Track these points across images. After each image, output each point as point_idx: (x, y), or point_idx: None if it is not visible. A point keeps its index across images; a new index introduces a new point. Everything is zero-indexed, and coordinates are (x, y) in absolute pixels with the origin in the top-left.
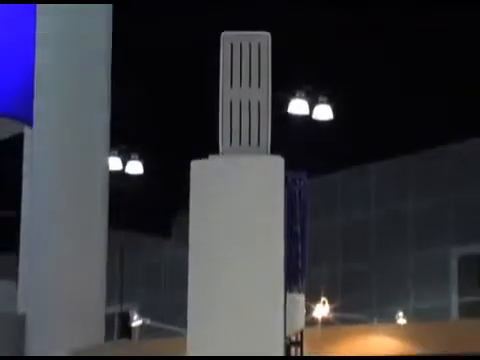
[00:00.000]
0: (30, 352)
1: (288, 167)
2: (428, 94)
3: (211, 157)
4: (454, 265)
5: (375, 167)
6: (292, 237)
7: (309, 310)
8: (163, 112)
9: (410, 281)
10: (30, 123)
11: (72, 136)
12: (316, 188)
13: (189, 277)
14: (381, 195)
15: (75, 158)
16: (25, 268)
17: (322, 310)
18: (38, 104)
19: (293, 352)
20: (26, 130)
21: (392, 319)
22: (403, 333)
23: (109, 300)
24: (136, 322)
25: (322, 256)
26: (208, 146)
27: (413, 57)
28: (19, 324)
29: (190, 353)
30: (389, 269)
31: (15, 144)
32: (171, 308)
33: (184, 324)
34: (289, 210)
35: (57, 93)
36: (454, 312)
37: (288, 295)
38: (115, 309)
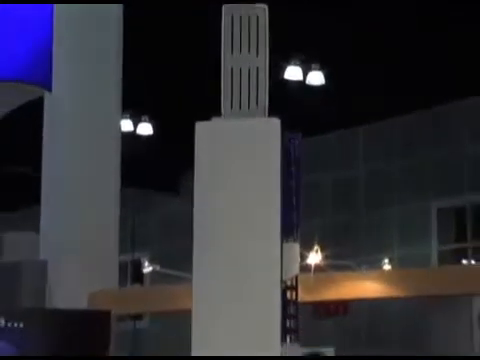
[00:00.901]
0: (51, 296)
1: (284, 128)
2: (411, 61)
3: (214, 119)
4: (434, 217)
5: (363, 129)
6: (288, 191)
7: (303, 257)
8: (171, 78)
9: (394, 232)
10: (49, 88)
11: (87, 100)
12: (309, 147)
13: (194, 228)
14: (369, 154)
15: (90, 120)
16: (46, 220)
17: (315, 258)
18: (56, 70)
19: (289, 295)
20: (46, 95)
21: (378, 266)
22: (388, 279)
23: (122, 249)
24: (147, 269)
25: (315, 210)
26: (211, 109)
27: (400, 25)
28: (41, 271)
29: (195, 297)
30: (375, 221)
31: (36, 108)
32: (178, 256)
33: (190, 270)
34: (285, 167)
35: (74, 60)
36: (434, 259)
37: (284, 244)
38: (128, 257)
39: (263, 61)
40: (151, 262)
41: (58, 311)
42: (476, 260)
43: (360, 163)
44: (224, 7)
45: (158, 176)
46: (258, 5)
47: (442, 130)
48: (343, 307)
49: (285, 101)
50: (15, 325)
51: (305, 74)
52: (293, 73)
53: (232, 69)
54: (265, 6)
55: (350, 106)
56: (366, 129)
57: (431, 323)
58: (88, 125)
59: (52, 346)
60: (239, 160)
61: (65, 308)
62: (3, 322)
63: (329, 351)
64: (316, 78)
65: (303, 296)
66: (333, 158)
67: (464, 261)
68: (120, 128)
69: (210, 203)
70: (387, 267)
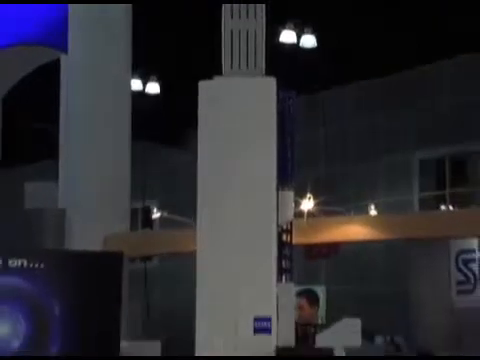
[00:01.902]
0: (69, 240)
1: (279, 86)
2: (398, 25)
3: (216, 78)
4: (415, 167)
5: (352, 87)
6: (283, 144)
7: (297, 204)
8: (177, 42)
9: (380, 181)
10: (65, 51)
11: (100, 61)
12: (302, 104)
13: (198, 179)
14: (357, 111)
15: (102, 80)
16: (64, 171)
17: (308, 204)
18: (72, 34)
19: (284, 238)
20: (62, 56)
21: (365, 211)
22: (374, 223)
23: (133, 197)
24: (156, 215)
25: (307, 161)
26: (213, 69)
27: None
28: (60, 218)
29: (199, 240)
30: (363, 171)
31: (53, 68)
32: (184, 204)
33: (194, 216)
34: (280, 121)
35: (87, 25)
36: (415, 205)
37: (280, 192)
38: (139, 205)
39: (260, 25)
40: (159, 209)
41: (76, 252)
42: (454, 206)
43: (349, 119)
44: None
45: (165, 131)
46: None
47: (422, 89)
48: (333, 249)
49: (280, 62)
50: (36, 266)
51: (299, 37)
52: (288, 36)
53: (232, 32)
54: None
55: (341, 66)
56: (354, 87)
57: (412, 263)
58: (100, 84)
59: (70, 285)
60: (238, 115)
61: (82, 250)
62: (25, 263)
63: (320, 288)
64: (308, 40)
65: (297, 239)
66: (324, 114)
67: (443, 207)
68: (130, 87)
69: (212, 155)
70: (373, 212)
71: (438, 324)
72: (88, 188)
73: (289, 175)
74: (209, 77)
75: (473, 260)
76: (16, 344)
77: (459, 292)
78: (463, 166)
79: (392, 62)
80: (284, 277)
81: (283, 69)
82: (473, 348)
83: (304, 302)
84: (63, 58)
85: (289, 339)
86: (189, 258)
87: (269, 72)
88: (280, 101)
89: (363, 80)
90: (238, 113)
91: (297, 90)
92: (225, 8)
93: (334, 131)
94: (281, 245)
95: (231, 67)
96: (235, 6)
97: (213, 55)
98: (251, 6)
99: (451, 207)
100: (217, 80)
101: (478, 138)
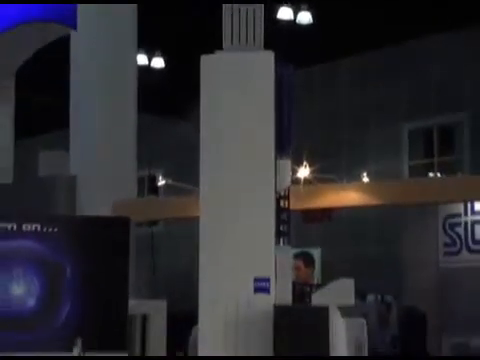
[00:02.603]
0: (80, 205)
1: (277, 60)
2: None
3: (217, 52)
4: (405, 137)
5: (345, 62)
6: (281, 115)
7: (294, 172)
8: (181, 18)
9: (372, 150)
10: (74, 27)
11: (108, 37)
12: (298, 78)
13: (200, 148)
14: (350, 84)
15: (110, 55)
16: (75, 141)
17: (304, 172)
18: (81, 12)
19: (282, 204)
20: (72, 33)
21: (358, 179)
22: (366, 189)
23: (140, 166)
24: (161, 182)
25: (303, 132)
26: (215, 44)
27: None
28: (71, 184)
29: (201, 205)
30: (356, 141)
31: (63, 44)
32: (187, 172)
33: (197, 183)
34: (278, 93)
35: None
36: (405, 173)
37: (278, 160)
38: (145, 173)
39: (259, 3)
40: (164, 177)
41: (86, 218)
42: (441, 173)
43: (343, 93)
44: None
45: (170, 104)
46: None
47: (411, 62)
48: (328, 214)
49: (278, 37)
50: (49, 230)
51: (295, 14)
52: (285, 13)
53: (232, 9)
54: None
55: (333, 42)
56: (346, 62)
57: (402, 227)
58: (108, 60)
59: (80, 248)
60: (238, 87)
61: (92, 215)
62: (39, 227)
63: (316, 251)
64: (305, 17)
65: (294, 205)
66: (319, 88)
67: (431, 174)
68: (136, 62)
69: (213, 126)
70: (365, 180)
71: (426, 283)
72: (97, 157)
73: (286, 145)
74: (211, 51)
75: (459, 224)
76: (31, 303)
77: (446, 254)
78: (450, 136)
79: (383, 37)
80: (282, 240)
81: (281, 44)
82: (456, 305)
83: (300, 263)
84: (73, 34)
85: (287, 298)
86: (192, 222)
87: (268, 47)
88: (278, 74)
89: (355, 54)
90: (238, 85)
91: (294, 64)
92: None
93: (329, 104)
94: (279, 210)
95: (231, 42)
96: None
97: (215, 31)
98: None
99: (439, 174)
100: (218, 54)
101: (464, 109)
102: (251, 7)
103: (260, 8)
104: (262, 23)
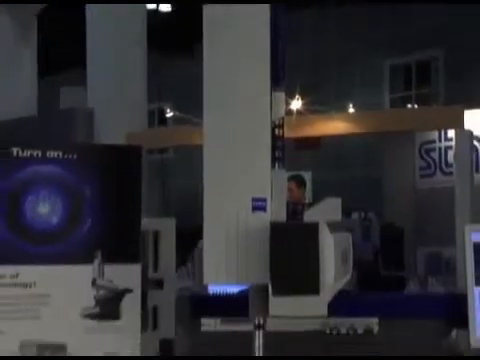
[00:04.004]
0: (97, 135)
1: (272, 3)
2: None
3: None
4: (386, 72)
5: (331, 3)
6: (276, 52)
7: (287, 104)
8: None
9: (357, 84)
10: None
11: None
12: (291, 20)
13: (204, 83)
14: (337, 24)
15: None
16: (92, 78)
17: (296, 104)
18: None
19: (277, 132)
20: None
21: (344, 110)
22: (352, 119)
23: (150, 100)
24: (169, 114)
25: (295, 70)
26: None
27: None
28: (89, 116)
29: (205, 134)
30: (342, 76)
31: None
32: (193, 104)
33: (202, 115)
34: (273, 32)
35: None
36: (386, 104)
37: (273, 93)
38: (155, 106)
39: None
40: (172, 109)
41: (103, 146)
42: (418, 104)
43: (331, 38)
44: None
45: (178, 45)
46: None
47: (391, 7)
48: (317, 141)
49: None
50: (70, 156)
51: None
52: None
53: None
54: None
55: None
56: (332, 4)
57: (383, 153)
58: (120, 7)
59: (98, 172)
60: (238, 30)
61: (108, 144)
62: (61, 154)
63: (307, 174)
64: None
65: (287, 133)
66: (309, 28)
67: (409, 105)
68: (145, 7)
69: (215, 63)
70: (351, 110)
71: (404, 202)
72: (112, 92)
73: (281, 78)
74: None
75: (434, 149)
76: (55, 220)
77: (422, 176)
78: (427, 70)
79: None
80: (277, 164)
81: None
82: (430, 220)
83: (293, 185)
84: None
85: (281, 215)
86: (198, 149)
87: None
88: (273, 16)
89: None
90: (238, 28)
91: (287, 5)
92: None
93: (318, 41)
94: (274, 138)
95: None
96: None
97: None
98: None
99: (416, 106)
100: (219, 4)
101: (439, 46)
102: None
103: None
104: None
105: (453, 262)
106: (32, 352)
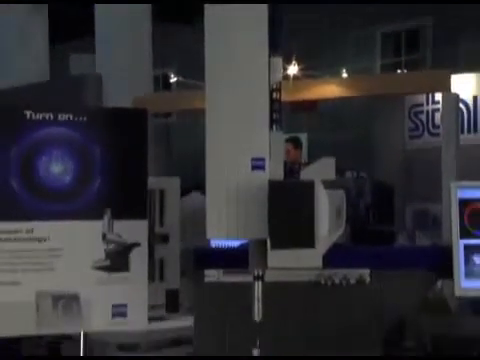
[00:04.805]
0: (105, 99)
1: None
2: None
3: None
4: (378, 39)
5: None
6: (273, 20)
7: (284, 69)
8: None
9: (349, 50)
10: None
11: None
12: None
13: (205, 52)
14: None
15: None
16: (100, 45)
17: (293, 69)
18: None
19: (274, 95)
20: None
21: (338, 75)
22: (345, 83)
23: (155, 66)
24: (173, 79)
25: (291, 38)
26: None
27: None
28: (98, 82)
29: (207, 98)
30: (336, 42)
31: None
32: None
33: (204, 79)
34: (271, 1)
35: None
36: (377, 69)
37: (271, 58)
38: (159, 72)
39: None
40: (176, 75)
41: (111, 108)
42: (408, 69)
43: (326, 4)
44: None
45: (179, 12)
46: None
47: None
48: (313, 105)
49: None
50: (80, 119)
51: None
52: None
53: None
54: None
55: None
56: None
57: (375, 116)
58: None
59: (107, 134)
60: (237, 5)
61: (115, 107)
62: (71, 117)
63: (303, 136)
64: None
65: (284, 97)
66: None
67: (399, 71)
68: None
69: (217, 31)
70: (344, 75)
71: (394, 162)
72: (119, 59)
73: (278, 44)
74: None
75: (422, 112)
76: (67, 179)
77: (410, 137)
78: (415, 38)
79: None
80: (275, 126)
81: None
82: (418, 178)
83: (290, 146)
84: None
85: (279, 174)
86: (200, 113)
87: None
88: None
89: None
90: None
91: None
92: None
93: (313, 12)
94: (272, 101)
95: None
96: None
97: None
98: None
99: (405, 71)
100: None
101: (427, 14)
102: None
103: None
104: None
105: (439, 217)
106: (47, 302)
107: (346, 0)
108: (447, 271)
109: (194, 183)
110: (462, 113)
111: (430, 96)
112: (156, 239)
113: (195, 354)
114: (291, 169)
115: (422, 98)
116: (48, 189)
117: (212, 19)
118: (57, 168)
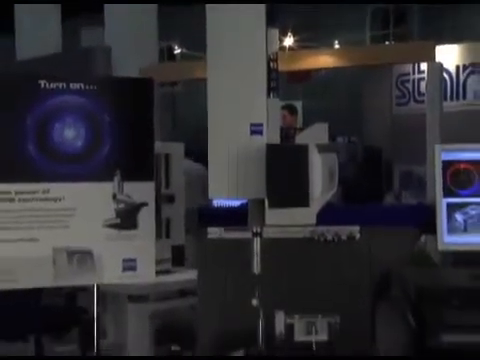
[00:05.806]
0: (114, 69)
1: None
2: None
3: None
4: (369, 13)
5: None
6: (272, 13)
7: (280, 40)
8: None
9: (343, 24)
10: None
11: None
12: None
13: (207, 22)
14: None
15: None
16: (109, 18)
17: (289, 40)
18: None
19: (272, 65)
20: None
21: (331, 46)
22: (338, 54)
23: (161, 38)
24: (177, 51)
25: (288, 9)
26: None
27: None
28: (107, 53)
29: (208, 67)
30: (329, 16)
31: None
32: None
33: (206, 51)
34: None
35: None
36: (367, 41)
37: (268, 30)
38: (164, 44)
39: None
40: (180, 46)
41: (119, 78)
42: (395, 41)
43: None
44: None
45: None
46: None
47: None
48: (308, 74)
49: None
50: (91, 88)
51: None
52: None
53: None
54: None
55: None
56: None
57: (365, 84)
58: None
59: (116, 102)
60: None
61: (123, 76)
62: (83, 86)
63: (298, 103)
64: None
65: (281, 66)
66: None
67: (387, 42)
68: None
69: (216, 4)
70: (337, 46)
71: (382, 127)
72: (127, 32)
73: (275, 17)
74: None
75: (408, 81)
76: (79, 144)
77: (397, 104)
78: (403, 11)
79: None
80: (272, 94)
81: None
82: (405, 142)
83: (286, 113)
84: None
85: (276, 139)
86: (203, 82)
87: None
88: None
89: None
90: None
91: None
92: None
93: None
94: (269, 70)
95: None
96: None
97: None
98: None
99: (393, 42)
100: None
101: None
102: None
103: None
104: None
105: (424, 178)
106: (63, 256)
107: None
108: (431, 227)
109: (197, 149)
110: (445, 82)
111: (416, 66)
112: (162, 199)
113: (199, 304)
114: (287, 134)
115: (409, 68)
116: (62, 153)
117: (211, 10)
118: (70, 133)
